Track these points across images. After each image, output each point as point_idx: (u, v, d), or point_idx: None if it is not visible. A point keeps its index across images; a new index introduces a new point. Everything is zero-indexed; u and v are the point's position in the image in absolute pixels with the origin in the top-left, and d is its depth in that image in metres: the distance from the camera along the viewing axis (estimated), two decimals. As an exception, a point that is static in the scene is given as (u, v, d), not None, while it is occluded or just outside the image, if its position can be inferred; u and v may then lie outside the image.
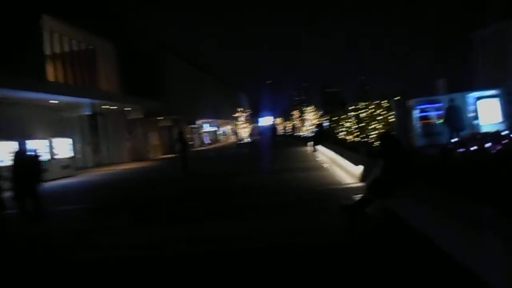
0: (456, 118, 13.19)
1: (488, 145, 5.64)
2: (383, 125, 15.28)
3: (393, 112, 15.13)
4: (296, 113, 43.68)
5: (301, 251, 4.78)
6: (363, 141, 16.96)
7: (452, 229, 4.00)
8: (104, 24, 26.51)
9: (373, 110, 15.73)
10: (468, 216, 3.98)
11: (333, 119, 23.20)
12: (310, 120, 32.49)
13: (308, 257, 4.58)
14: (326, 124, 25.07)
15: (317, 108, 34.21)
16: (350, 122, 18.65)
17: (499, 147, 5.48)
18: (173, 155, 32.12)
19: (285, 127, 38.67)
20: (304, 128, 36.30)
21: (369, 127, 16.05)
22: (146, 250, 5.58)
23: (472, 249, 3.62)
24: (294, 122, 42.48)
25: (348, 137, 18.34)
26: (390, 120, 15.45)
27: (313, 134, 22.64)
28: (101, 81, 27.19)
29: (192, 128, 43.35)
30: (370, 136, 16.24)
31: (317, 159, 16.67)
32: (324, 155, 16.84)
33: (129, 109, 26.30)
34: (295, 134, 39.01)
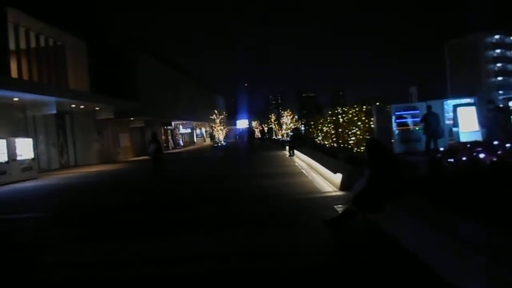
0: (433, 125, 13.06)
1: (481, 156, 5.27)
2: (362, 130, 15.00)
3: (373, 118, 14.84)
4: (273, 116, 43.25)
5: (279, 277, 4.15)
6: (342, 146, 16.64)
7: (445, 249, 3.56)
8: (75, 20, 25.20)
9: (353, 115, 15.44)
10: (464, 235, 3.55)
11: (310, 123, 22.88)
12: (286, 123, 32.10)
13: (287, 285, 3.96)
14: (302, 128, 24.68)
15: (294, 112, 33.97)
16: (327, 126, 18.32)
17: (493, 159, 5.11)
18: (144, 158, 31.02)
19: (262, 130, 38.06)
20: (281, 132, 35.93)
21: (348, 132, 15.74)
22: (96, 270, 4.76)
23: (467, 272, 3.17)
24: (270, 126, 42.05)
25: (326, 142, 17.99)
26: (371, 126, 15.21)
27: (289, 138, 22.26)
28: (70, 79, 25.80)
29: (166, 129, 42.18)
30: (350, 141, 15.93)
31: (295, 164, 16.19)
32: (302, 160, 16.40)
33: (98, 108, 25.02)
34: (272, 137, 38.59)
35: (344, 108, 16.41)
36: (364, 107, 15.46)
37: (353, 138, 15.70)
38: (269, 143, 33.18)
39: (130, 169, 21.79)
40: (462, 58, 67.70)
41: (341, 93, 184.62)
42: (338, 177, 9.41)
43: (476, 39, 68.79)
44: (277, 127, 40.75)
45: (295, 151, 19.46)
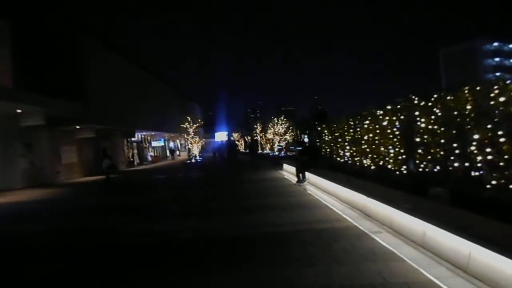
0: None
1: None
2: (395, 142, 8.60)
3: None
4: (258, 127, 36.75)
5: None
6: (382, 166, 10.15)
7: None
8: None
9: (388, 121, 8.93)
10: None
11: (323, 133, 16.40)
12: (280, 134, 25.73)
13: None
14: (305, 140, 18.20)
15: (289, 120, 27.66)
16: (356, 136, 11.91)
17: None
18: (98, 177, 23.77)
19: (252, 141, 31.50)
20: (269, 145, 29.44)
21: (383, 146, 9.21)
22: None
23: None
24: (256, 138, 35.58)
25: (355, 159, 11.52)
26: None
27: (296, 153, 15.75)
28: (-15, 70, 18.55)
29: (130, 141, 34.90)
30: (385, 158, 9.42)
31: (323, 203, 9.62)
32: (333, 196, 9.80)
33: (20, 111, 17.76)
34: (258, 151, 32.06)
35: (378, 111, 9.95)
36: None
37: (391, 151, 9.25)
38: (258, 160, 26.55)
39: (64, 196, 14.77)
40: (459, 66, 63.52)
41: (320, 107, 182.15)
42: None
43: (474, 46, 64.71)
44: (264, 140, 34.18)
45: (308, 175, 12.95)
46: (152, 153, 42.93)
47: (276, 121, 26.54)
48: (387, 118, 9.11)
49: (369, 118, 10.43)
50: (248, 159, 28.00)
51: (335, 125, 14.56)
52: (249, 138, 49.24)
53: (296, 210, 8.40)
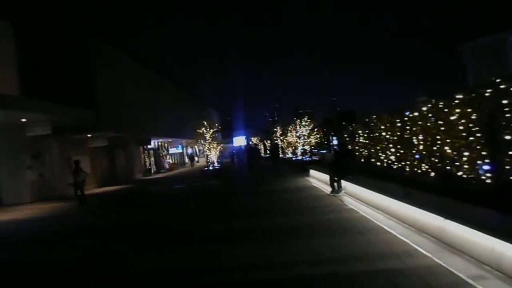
0: None
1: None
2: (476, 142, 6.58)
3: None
4: (278, 130, 34.86)
5: None
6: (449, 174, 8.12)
7: None
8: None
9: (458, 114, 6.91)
10: None
11: (359, 133, 14.41)
12: (304, 136, 23.77)
13: None
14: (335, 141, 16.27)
15: (313, 121, 25.74)
16: (408, 135, 9.95)
17: None
18: (115, 188, 22.48)
19: (273, 146, 29.67)
20: (294, 149, 27.50)
21: (451, 147, 7.18)
22: None
23: None
24: (276, 141, 33.74)
25: (414, 165, 9.51)
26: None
27: (321, 157, 13.85)
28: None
29: (146, 149, 33.65)
30: (455, 163, 7.41)
31: (373, 221, 7.72)
32: (375, 207, 7.84)
33: (25, 120, 16.49)
34: (280, 156, 30.17)
35: (439, 102, 7.93)
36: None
37: (465, 155, 7.21)
38: (280, 164, 24.65)
39: (73, 212, 13.34)
40: (486, 60, 59.74)
41: (338, 108, 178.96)
42: None
43: (502, 38, 60.89)
44: (285, 143, 32.25)
45: (344, 183, 11.02)
46: (170, 161, 41.68)
47: (299, 122, 24.62)
48: (457, 110, 7.11)
49: (426, 112, 8.40)
50: (269, 164, 26.19)
51: (373, 124, 12.57)
52: (268, 142, 47.36)
53: (346, 234, 6.51)
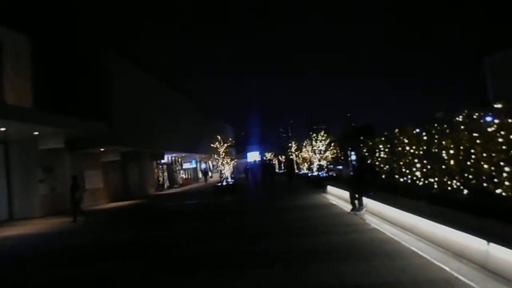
0: None
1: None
2: None
3: None
4: (293, 145, 34.21)
5: None
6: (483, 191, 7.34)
7: None
8: (14, 7, 17.30)
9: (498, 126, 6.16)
10: None
11: (379, 148, 13.67)
12: (320, 151, 23.02)
13: None
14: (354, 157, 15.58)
15: (330, 135, 25.05)
16: (436, 149, 9.22)
17: None
18: (126, 203, 22.12)
19: (289, 161, 28.98)
20: (310, 165, 26.75)
21: (488, 163, 6.41)
22: None
23: None
24: (291, 157, 33.05)
25: (443, 181, 8.75)
26: None
27: (349, 174, 13.14)
28: (6, 91, 17.46)
29: (159, 164, 33.40)
30: (493, 179, 6.64)
31: (401, 243, 6.98)
32: (401, 227, 7.06)
33: (37, 133, 16.32)
34: (295, 171, 29.41)
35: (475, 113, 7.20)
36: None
37: (506, 171, 6.43)
38: (295, 180, 23.90)
39: (82, 228, 12.93)
40: (507, 74, 58.74)
41: (353, 124, 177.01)
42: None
43: None
44: (300, 159, 31.52)
45: (366, 201, 10.28)
46: (183, 175, 41.34)
47: (315, 137, 23.95)
48: (496, 121, 6.40)
49: (459, 124, 7.68)
50: (285, 180, 25.47)
51: (395, 139, 11.85)
52: (283, 157, 46.63)
53: (374, 258, 5.80)
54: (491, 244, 4.90)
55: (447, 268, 5.05)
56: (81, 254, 8.51)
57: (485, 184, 7.26)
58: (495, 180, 6.96)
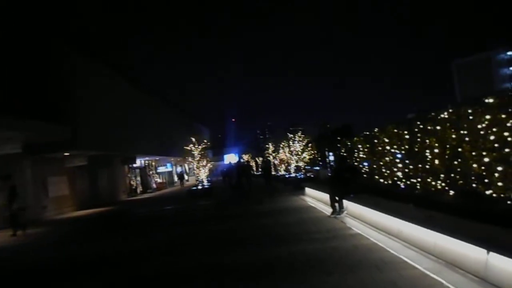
0: None
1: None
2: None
3: None
4: (270, 146, 33.59)
5: None
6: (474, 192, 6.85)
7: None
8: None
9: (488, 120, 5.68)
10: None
11: (358, 148, 13.17)
12: (297, 152, 22.46)
13: None
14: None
15: (307, 136, 24.49)
16: (417, 148, 8.74)
17: None
18: (95, 210, 20.83)
19: (265, 161, 28.32)
20: (286, 166, 26.19)
21: (479, 162, 5.90)
22: None
23: None
24: (267, 158, 32.40)
25: (427, 182, 8.24)
26: None
27: (327, 175, 12.58)
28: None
29: (131, 168, 32.01)
30: (483, 179, 6.13)
31: (388, 250, 6.36)
32: (386, 232, 6.42)
33: (-10, 136, 14.91)
34: (272, 173, 28.76)
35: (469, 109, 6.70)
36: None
37: (498, 170, 5.96)
38: (273, 182, 23.23)
39: (42, 242, 11.73)
40: (472, 77, 61.75)
41: (328, 126, 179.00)
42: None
43: (488, 56, 63.25)
44: (278, 160, 30.96)
45: (346, 203, 9.70)
46: (158, 180, 39.94)
47: (292, 138, 23.39)
48: (487, 117, 5.90)
49: (445, 121, 7.17)
50: (262, 181, 24.78)
51: (375, 138, 11.36)
52: (260, 159, 45.97)
53: (360, 269, 5.16)
54: (491, 253, 4.36)
55: (443, 281, 4.47)
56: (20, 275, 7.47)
57: (474, 185, 6.78)
58: (486, 180, 6.48)
